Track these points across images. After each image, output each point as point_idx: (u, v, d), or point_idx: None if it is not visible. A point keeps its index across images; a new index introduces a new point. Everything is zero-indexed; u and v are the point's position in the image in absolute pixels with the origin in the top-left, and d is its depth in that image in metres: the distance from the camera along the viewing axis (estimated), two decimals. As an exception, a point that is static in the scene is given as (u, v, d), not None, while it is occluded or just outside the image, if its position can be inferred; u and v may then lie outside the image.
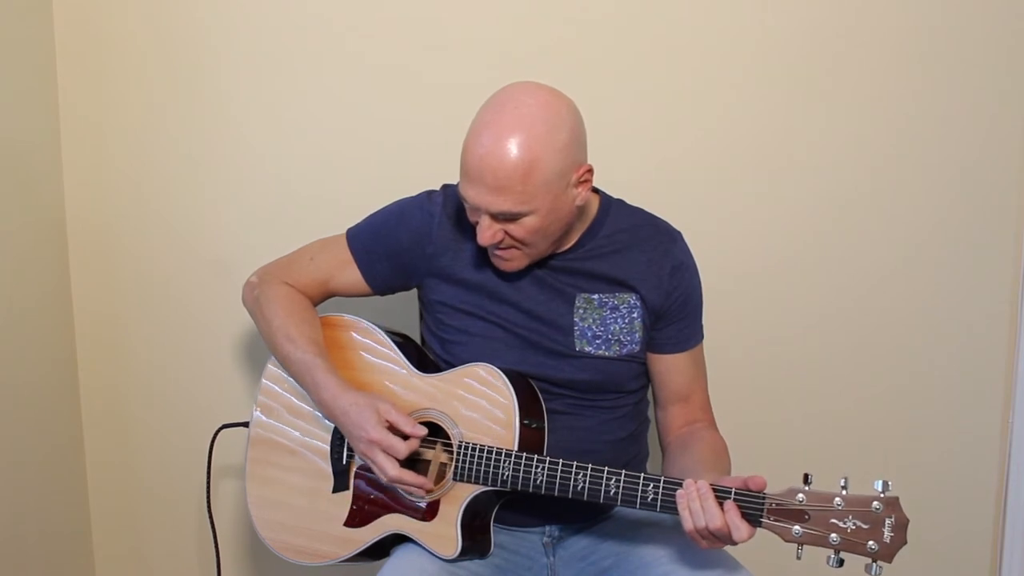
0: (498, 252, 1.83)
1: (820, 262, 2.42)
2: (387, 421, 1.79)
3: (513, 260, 1.84)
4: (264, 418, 2.00)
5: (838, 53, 2.34)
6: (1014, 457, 2.45)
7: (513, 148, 1.69)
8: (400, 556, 1.84)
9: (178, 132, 2.40)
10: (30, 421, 2.31)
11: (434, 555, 1.81)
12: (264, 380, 2.02)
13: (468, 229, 1.90)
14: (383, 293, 2.02)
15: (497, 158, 1.70)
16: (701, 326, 2.00)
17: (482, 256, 1.91)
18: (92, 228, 2.44)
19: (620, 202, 1.98)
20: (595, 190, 1.94)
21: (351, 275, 2.00)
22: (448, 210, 1.94)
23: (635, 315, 1.91)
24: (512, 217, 1.74)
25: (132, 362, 2.50)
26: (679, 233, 1.98)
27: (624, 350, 1.91)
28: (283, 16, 2.35)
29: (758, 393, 2.46)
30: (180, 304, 2.47)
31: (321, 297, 2.03)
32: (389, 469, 1.78)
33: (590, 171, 1.80)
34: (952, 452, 2.48)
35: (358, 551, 1.89)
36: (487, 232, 1.76)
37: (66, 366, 2.46)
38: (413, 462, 1.87)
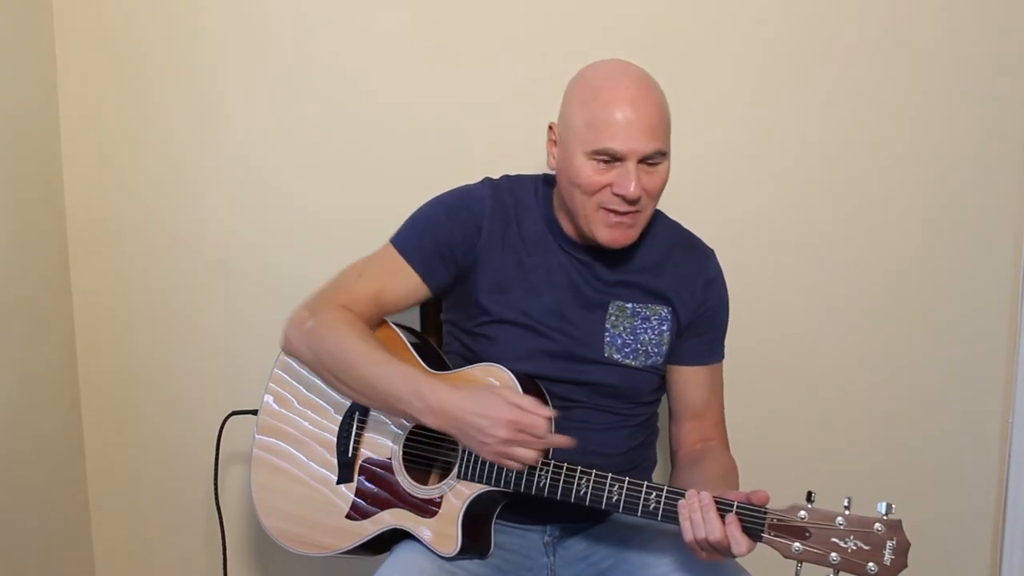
0: (624, 217, 1.81)
1: (819, 264, 2.43)
2: (514, 403, 1.69)
3: (634, 227, 1.84)
4: (273, 407, 2.00)
5: (840, 56, 2.34)
6: (1014, 457, 2.46)
7: (653, 89, 1.79)
8: (399, 554, 1.84)
9: (178, 130, 2.39)
10: (31, 411, 2.32)
11: (434, 552, 1.81)
12: (276, 369, 2.02)
13: (511, 223, 1.91)
14: (438, 295, 1.96)
15: (645, 98, 1.77)
16: (723, 345, 2.01)
17: (523, 254, 1.91)
18: (93, 219, 2.43)
19: (660, 213, 1.99)
20: None
21: (405, 280, 1.91)
22: (496, 204, 1.92)
23: (665, 328, 1.92)
24: (658, 158, 1.79)
25: (137, 348, 2.50)
26: (712, 251, 2.00)
27: (650, 361, 1.92)
28: (285, 16, 2.34)
29: (757, 392, 2.45)
30: (185, 290, 2.46)
31: (375, 317, 1.92)
32: (538, 443, 1.68)
33: None
34: (952, 452, 2.49)
35: (358, 544, 1.90)
36: (634, 183, 1.76)
37: (66, 355, 2.46)
38: (418, 460, 1.88)
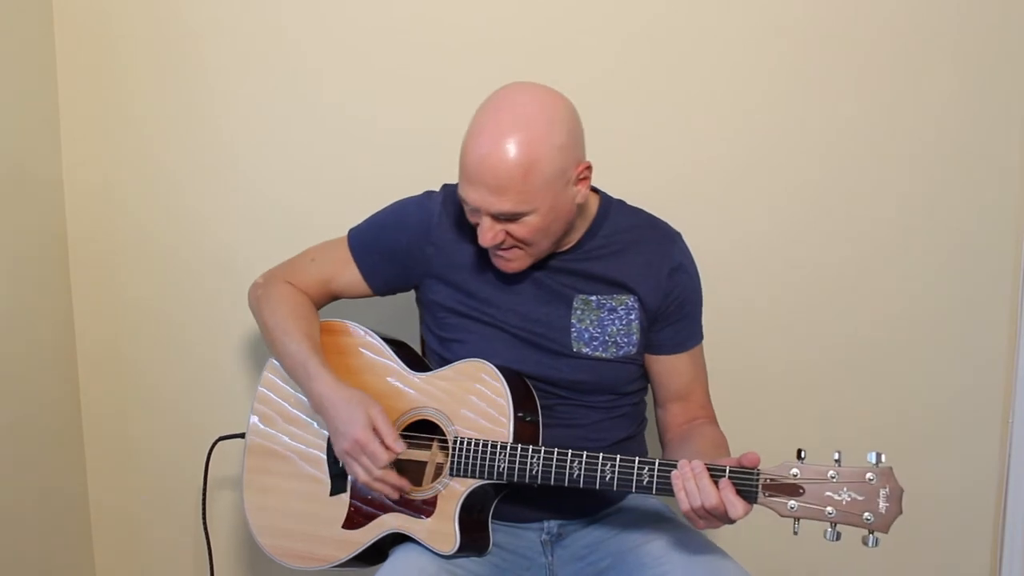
0: (500, 253, 1.83)
1: (821, 263, 2.43)
2: (374, 426, 1.79)
3: (515, 260, 1.84)
4: (260, 426, 2.00)
5: (839, 57, 2.36)
6: (1014, 457, 2.44)
7: (512, 148, 1.70)
8: (399, 556, 1.83)
9: (179, 135, 2.41)
10: (31, 433, 2.32)
11: (433, 552, 1.80)
12: (260, 387, 2.03)
13: (467, 228, 1.91)
14: (383, 293, 2.03)
15: (497, 158, 1.70)
16: (700, 327, 2.00)
17: (480, 256, 1.92)
18: (92, 241, 2.45)
19: (620, 202, 1.99)
20: (595, 190, 1.96)
21: (351, 275, 2.01)
22: (448, 209, 1.95)
23: (632, 317, 1.91)
24: (513, 217, 1.75)
25: (131, 374, 2.50)
26: (678, 234, 1.98)
27: (621, 352, 1.91)
28: (284, 19, 2.36)
29: (759, 394, 2.46)
30: (178, 316, 2.48)
31: (324, 298, 2.04)
32: (373, 471, 1.79)
33: (589, 168, 1.81)
34: (952, 452, 2.48)
35: (357, 552, 1.89)
36: (488, 233, 1.77)
37: (67, 378, 2.47)
38: (413, 461, 1.88)
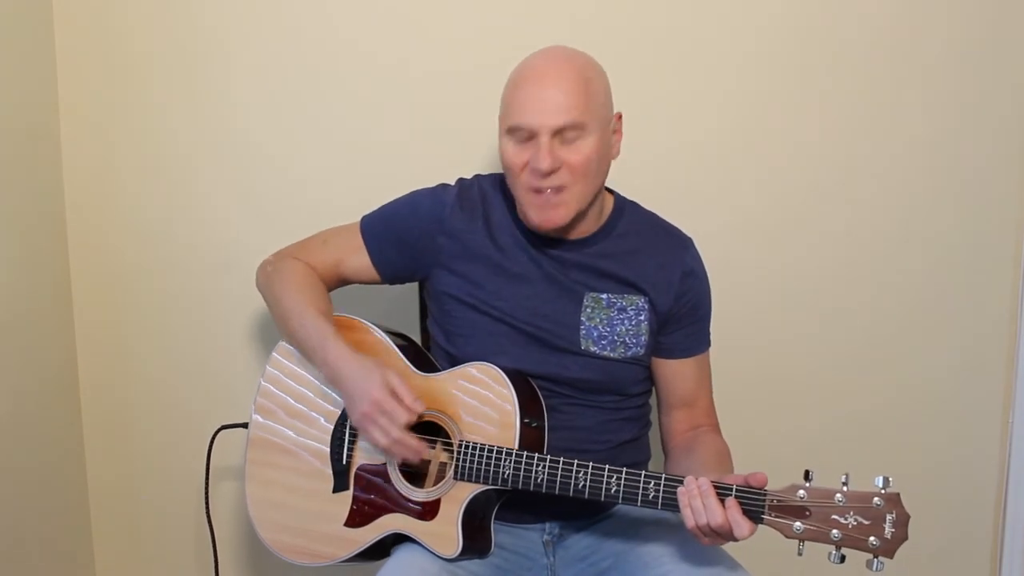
0: (548, 196, 1.80)
1: (821, 263, 2.43)
2: (392, 388, 1.78)
3: (560, 206, 1.81)
4: (263, 419, 1.99)
5: (839, 54, 2.35)
6: (1014, 457, 2.45)
7: (571, 65, 1.79)
8: (400, 555, 1.83)
9: (179, 132, 2.39)
10: (30, 422, 2.31)
11: (435, 554, 1.80)
12: (263, 381, 2.01)
13: (479, 220, 1.93)
14: (391, 282, 2.03)
15: (557, 73, 1.78)
16: (708, 333, 2.00)
17: (491, 249, 1.92)
18: (92, 228, 2.43)
19: (635, 204, 2.00)
20: (609, 190, 1.97)
21: (361, 261, 2.00)
22: (462, 202, 1.95)
23: (642, 318, 1.91)
24: (574, 130, 1.76)
25: (131, 362, 2.50)
26: (690, 240, 1.99)
27: (629, 352, 1.91)
28: (285, 17, 2.35)
29: (758, 393, 2.46)
30: (180, 304, 2.47)
31: (333, 280, 2.03)
32: (392, 431, 1.76)
33: (620, 119, 1.89)
34: (952, 452, 2.49)
35: (358, 551, 1.89)
36: (548, 156, 1.76)
37: (66, 366, 2.46)
38: (412, 464, 1.87)
